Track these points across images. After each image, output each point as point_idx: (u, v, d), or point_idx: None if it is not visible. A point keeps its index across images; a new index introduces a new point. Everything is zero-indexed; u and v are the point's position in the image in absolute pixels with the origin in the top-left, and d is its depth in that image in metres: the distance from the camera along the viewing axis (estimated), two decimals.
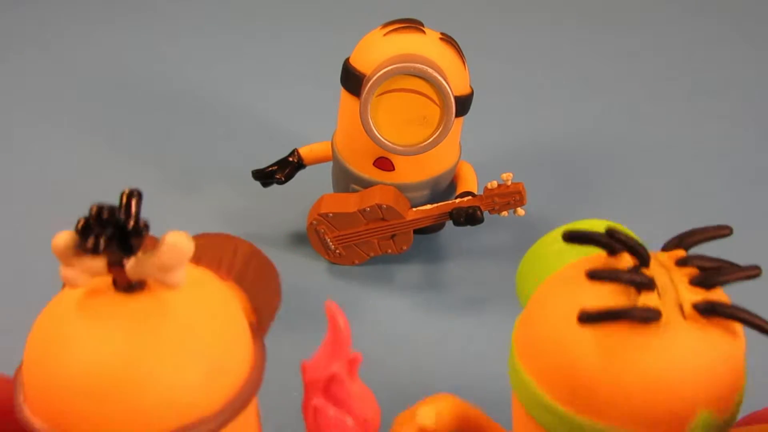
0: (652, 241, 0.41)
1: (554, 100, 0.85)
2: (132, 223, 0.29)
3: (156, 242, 0.37)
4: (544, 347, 0.31)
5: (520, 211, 0.58)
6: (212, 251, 0.37)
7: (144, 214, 0.30)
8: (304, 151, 0.63)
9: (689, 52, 0.94)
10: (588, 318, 0.29)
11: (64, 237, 0.29)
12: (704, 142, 0.78)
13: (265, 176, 0.63)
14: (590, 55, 0.93)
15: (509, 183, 0.57)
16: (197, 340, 0.31)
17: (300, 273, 0.61)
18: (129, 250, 0.30)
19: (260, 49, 0.92)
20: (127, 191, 0.30)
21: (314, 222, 0.59)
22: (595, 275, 0.30)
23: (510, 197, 0.57)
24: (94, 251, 0.29)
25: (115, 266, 0.30)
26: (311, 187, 0.64)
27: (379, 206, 0.57)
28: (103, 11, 0.99)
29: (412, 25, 0.55)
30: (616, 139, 0.79)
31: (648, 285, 0.29)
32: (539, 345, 0.32)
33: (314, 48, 0.92)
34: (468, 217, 0.57)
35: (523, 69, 0.90)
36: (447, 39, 0.56)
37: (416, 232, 0.61)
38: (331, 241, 0.60)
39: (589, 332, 0.30)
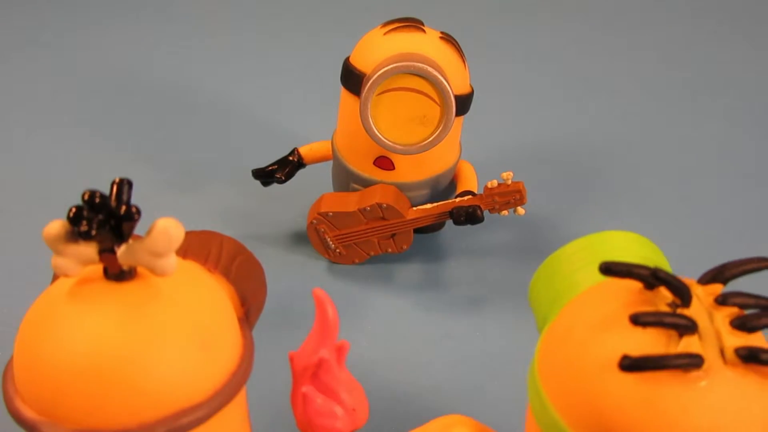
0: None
1: (554, 99, 0.85)
2: (124, 208, 0.29)
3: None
4: (576, 389, 0.30)
5: (521, 210, 0.58)
6: (198, 246, 0.37)
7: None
8: (304, 151, 0.63)
9: (689, 52, 0.94)
10: (630, 365, 0.28)
11: (56, 225, 0.29)
12: (704, 142, 0.78)
13: (265, 175, 0.63)
14: (590, 55, 0.93)
15: (509, 182, 0.57)
16: (189, 324, 0.31)
17: (300, 272, 0.61)
18: (121, 236, 0.30)
19: (260, 49, 0.92)
20: (117, 180, 0.30)
21: (314, 221, 0.59)
22: (638, 320, 0.29)
23: (510, 196, 0.57)
24: (86, 235, 0.29)
25: (106, 253, 0.30)
26: (311, 187, 0.64)
27: (380, 205, 0.57)
28: (103, 11, 0.99)
29: (412, 24, 0.55)
30: (616, 138, 0.79)
31: (691, 329, 0.29)
32: (570, 386, 0.31)
33: (314, 48, 0.92)
34: (468, 216, 0.57)
35: (522, 69, 0.90)
36: (447, 38, 0.56)
37: (416, 231, 0.61)
38: (331, 240, 0.60)
39: (626, 377, 0.29)
